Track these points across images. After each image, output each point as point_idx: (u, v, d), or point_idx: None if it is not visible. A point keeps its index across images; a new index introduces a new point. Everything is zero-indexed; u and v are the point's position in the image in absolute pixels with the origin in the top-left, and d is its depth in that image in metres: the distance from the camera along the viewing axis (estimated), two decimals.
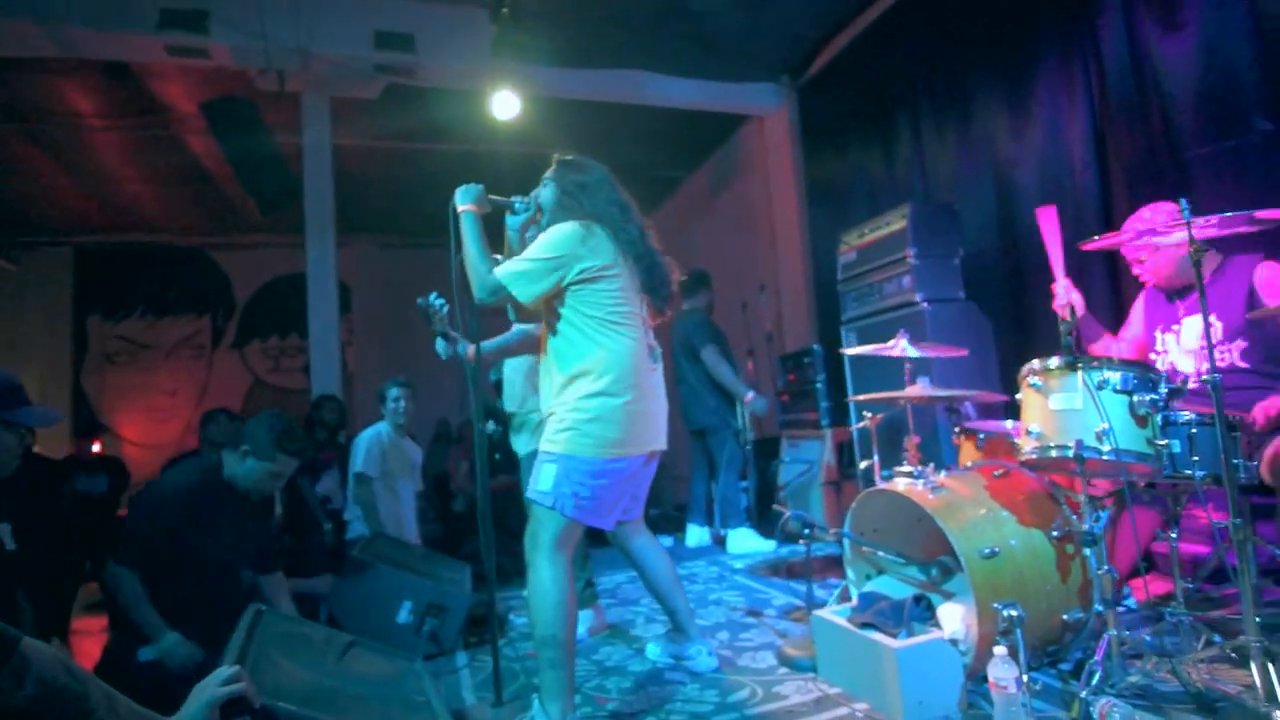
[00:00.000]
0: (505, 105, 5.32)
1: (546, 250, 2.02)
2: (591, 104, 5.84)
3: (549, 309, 2.11)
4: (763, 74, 5.95)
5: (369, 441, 3.74)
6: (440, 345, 2.68)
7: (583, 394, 1.99)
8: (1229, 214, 1.65)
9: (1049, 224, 2.52)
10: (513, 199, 2.25)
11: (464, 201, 2.13)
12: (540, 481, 1.97)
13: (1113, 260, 3.38)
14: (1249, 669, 1.63)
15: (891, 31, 4.75)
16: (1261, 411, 1.98)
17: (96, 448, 8.18)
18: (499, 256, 2.17)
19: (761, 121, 6.30)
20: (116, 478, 4.54)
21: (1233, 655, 1.95)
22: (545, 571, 1.92)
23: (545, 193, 2.21)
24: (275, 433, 2.34)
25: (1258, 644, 1.61)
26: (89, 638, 3.16)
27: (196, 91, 5.41)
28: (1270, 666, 1.58)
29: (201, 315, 9.63)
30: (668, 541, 4.99)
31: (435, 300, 2.53)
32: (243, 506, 2.43)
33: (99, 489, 4.30)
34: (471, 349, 2.86)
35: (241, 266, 9.70)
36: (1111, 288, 3.40)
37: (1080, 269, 3.48)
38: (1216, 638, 2.02)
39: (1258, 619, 1.68)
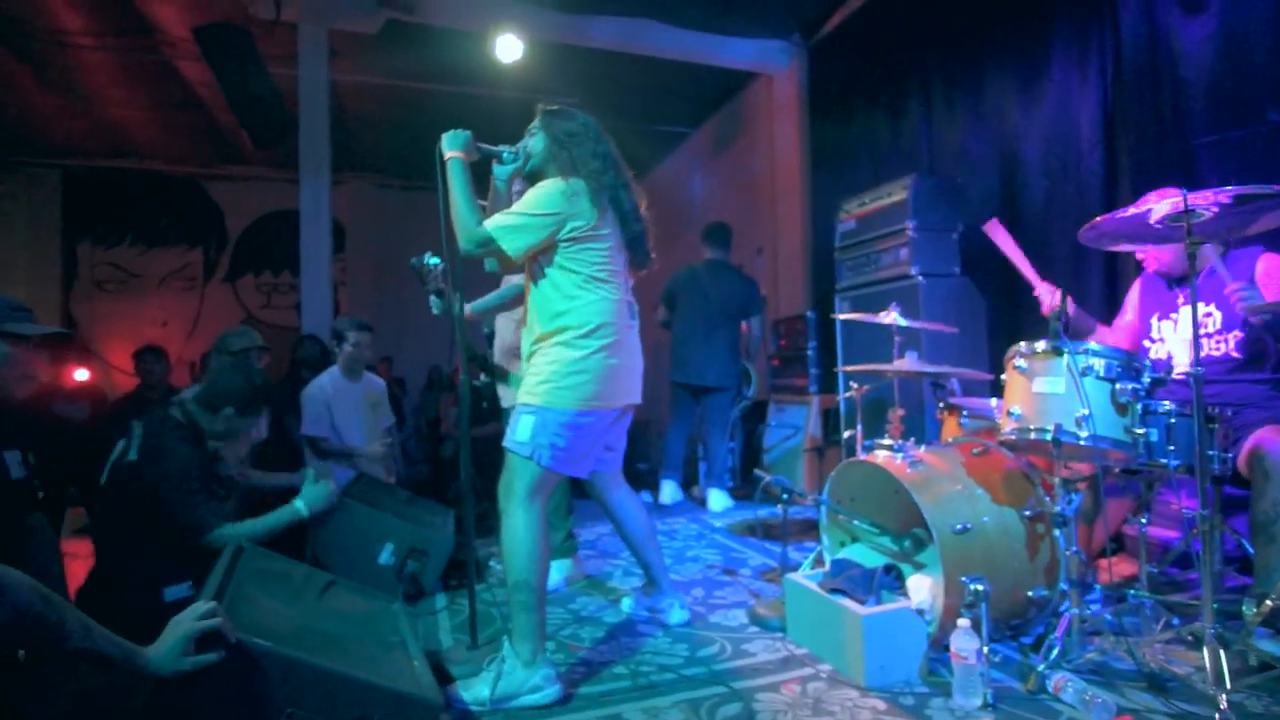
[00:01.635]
0: (508, 48, 5.19)
1: (537, 206, 2.00)
2: (596, 52, 5.69)
3: (532, 262, 2.10)
4: (774, 31, 5.80)
5: (310, 401, 3.60)
6: (435, 304, 2.66)
7: (563, 347, 2.00)
8: (1228, 189, 1.62)
9: (1000, 236, 2.53)
10: (501, 148, 2.20)
11: (451, 148, 2.09)
12: (518, 432, 1.98)
13: (1110, 259, 3.36)
14: (1202, 652, 1.68)
15: None
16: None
17: (85, 374, 8.16)
18: (484, 203, 2.14)
19: (770, 80, 6.16)
20: (97, 405, 4.54)
21: (1188, 638, 2.02)
22: (519, 519, 1.95)
23: (533, 143, 2.17)
24: (259, 398, 2.37)
25: (1212, 630, 1.66)
26: (77, 560, 3.20)
27: (189, 15, 5.24)
28: (1221, 652, 1.63)
29: (194, 247, 9.51)
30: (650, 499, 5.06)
31: (430, 260, 2.50)
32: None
33: (80, 415, 4.30)
34: (469, 308, 2.86)
35: (235, 199, 9.55)
36: (1107, 278, 3.40)
37: (1076, 257, 3.48)
38: (1175, 620, 2.09)
39: (1215, 605, 1.73)
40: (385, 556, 2.79)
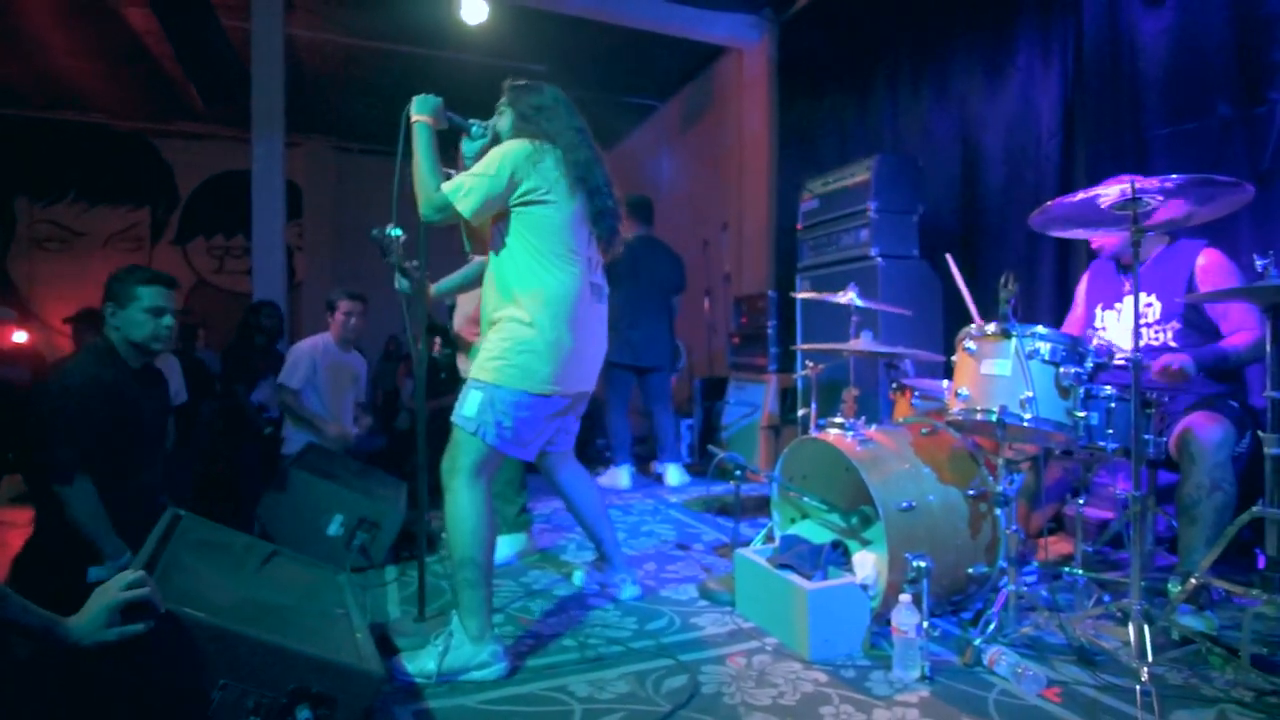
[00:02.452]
0: (473, 9, 5.04)
1: (491, 164, 1.94)
2: (566, 19, 5.56)
3: (493, 233, 2.05)
4: (746, 5, 5.74)
5: (298, 354, 3.58)
6: (401, 282, 2.59)
7: (518, 324, 1.96)
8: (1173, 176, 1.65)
9: (954, 267, 2.59)
10: (470, 122, 2.14)
11: (420, 111, 2.03)
12: (465, 407, 1.95)
13: (1063, 246, 3.43)
14: (1129, 628, 1.75)
15: None
16: (1163, 361, 2.07)
17: (23, 336, 7.83)
18: (452, 171, 2.08)
19: (740, 55, 6.11)
20: (38, 369, 4.36)
21: (1117, 614, 2.09)
22: (463, 495, 1.92)
23: (502, 122, 2.12)
24: (123, 275, 2.24)
25: (1138, 606, 1.72)
26: (15, 529, 3.09)
27: None
28: (1145, 628, 1.70)
29: (140, 207, 9.15)
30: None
31: (391, 232, 2.41)
32: (145, 378, 2.35)
33: (20, 378, 4.13)
34: (433, 289, 2.79)
35: (186, 157, 9.19)
36: (1059, 265, 3.46)
37: (1031, 244, 3.53)
38: (1106, 597, 2.16)
39: (1143, 583, 1.80)
40: (334, 528, 2.74)
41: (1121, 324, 2.39)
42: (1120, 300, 2.43)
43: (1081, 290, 2.65)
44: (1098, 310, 2.49)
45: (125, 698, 1.31)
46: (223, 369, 5.48)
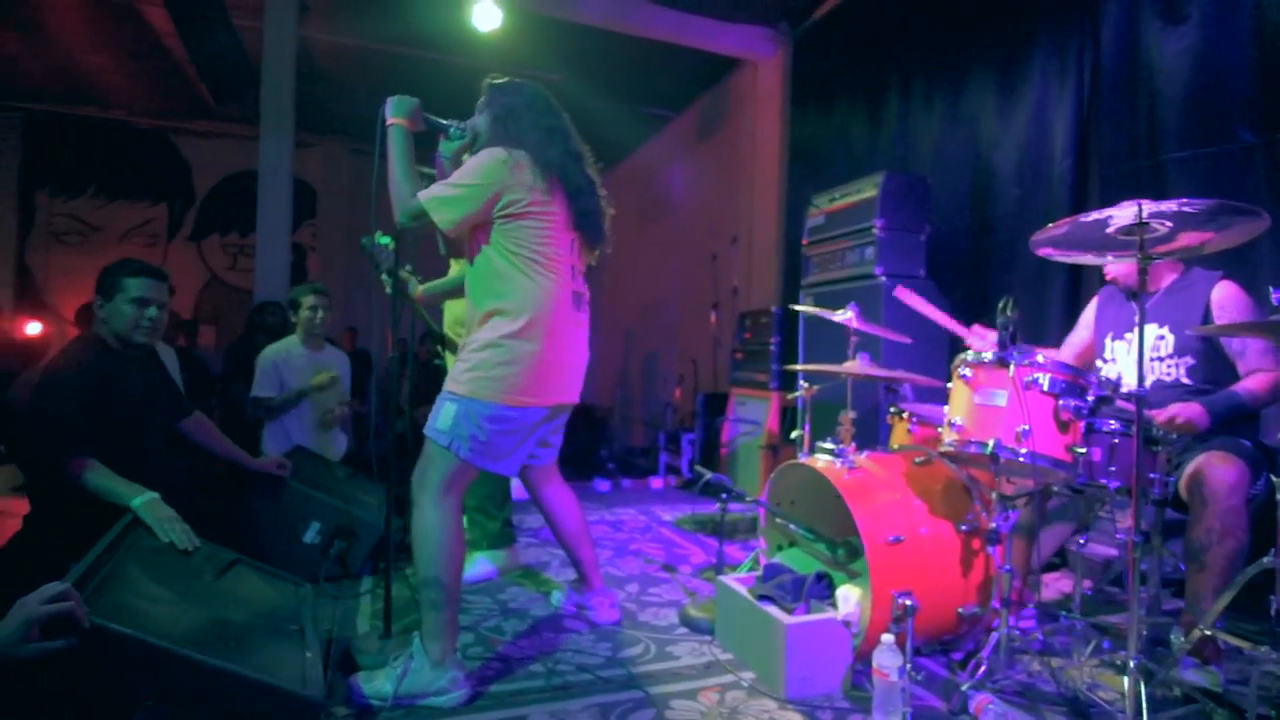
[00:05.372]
0: (486, 16, 5.02)
1: (472, 176, 1.88)
2: (580, 28, 5.53)
3: (471, 239, 1.98)
4: (762, 17, 5.69)
5: (266, 362, 3.45)
6: (389, 287, 2.54)
7: (494, 334, 1.89)
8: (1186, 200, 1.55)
9: (910, 299, 2.55)
10: (449, 122, 2.08)
11: (396, 114, 1.97)
12: (439, 420, 1.88)
13: (1075, 270, 3.31)
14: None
15: None
16: (1170, 413, 1.95)
17: (38, 328, 7.89)
18: (427, 170, 2.02)
19: (755, 68, 6.05)
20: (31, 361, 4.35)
21: (1116, 663, 1.98)
22: (430, 513, 1.85)
23: (480, 120, 2.07)
24: (113, 268, 2.21)
25: (1135, 660, 1.61)
26: (11, 519, 3.04)
27: None
28: (1142, 684, 1.58)
29: (158, 203, 9.23)
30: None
31: (381, 240, 2.36)
32: (137, 364, 2.30)
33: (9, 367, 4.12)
34: (421, 290, 2.74)
35: (204, 155, 9.26)
36: (1069, 291, 3.35)
37: (1041, 267, 3.42)
38: (1105, 644, 2.04)
39: (1145, 631, 1.69)
40: (310, 535, 2.68)
41: (1132, 355, 2.27)
42: (1130, 330, 2.31)
43: (1089, 315, 2.54)
44: (1107, 340, 2.38)
45: (44, 709, 1.24)
46: (224, 367, 5.47)
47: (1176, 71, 2.95)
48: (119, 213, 9.05)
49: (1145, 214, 1.59)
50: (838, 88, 5.09)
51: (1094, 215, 1.69)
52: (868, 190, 3.58)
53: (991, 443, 1.77)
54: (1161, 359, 2.21)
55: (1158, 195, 2.95)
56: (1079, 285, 3.33)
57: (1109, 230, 1.68)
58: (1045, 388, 1.78)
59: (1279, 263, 2.59)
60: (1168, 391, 2.19)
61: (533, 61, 5.73)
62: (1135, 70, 3.12)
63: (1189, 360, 2.17)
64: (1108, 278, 2.38)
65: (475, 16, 5.02)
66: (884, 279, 3.46)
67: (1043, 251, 1.90)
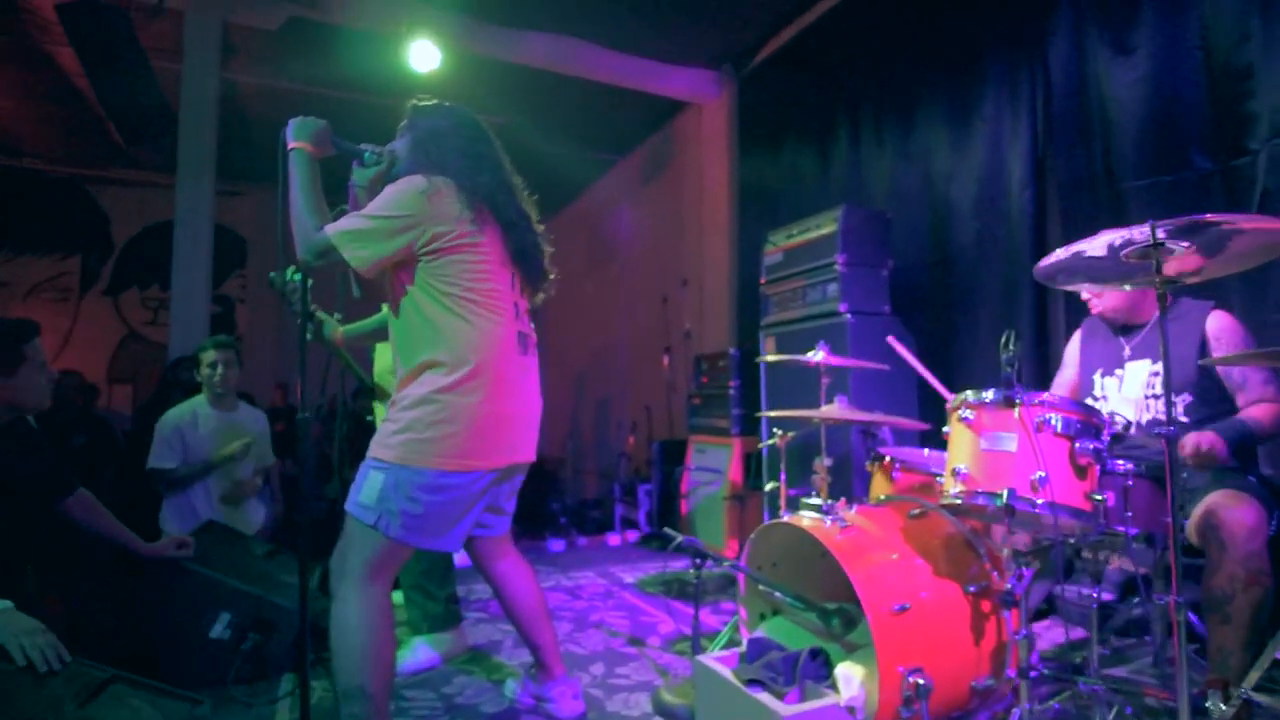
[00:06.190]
0: (424, 56, 4.83)
1: (388, 208, 1.63)
2: (523, 70, 5.40)
3: (393, 281, 1.72)
4: (707, 60, 5.67)
5: (166, 428, 3.05)
6: (310, 331, 2.26)
7: (427, 389, 1.62)
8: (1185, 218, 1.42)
9: (901, 350, 2.45)
10: (362, 147, 1.85)
11: (298, 138, 1.72)
12: (363, 493, 1.59)
13: (1040, 301, 3.24)
14: None
15: (839, 29, 4.54)
16: (1192, 442, 1.79)
17: None
18: (345, 207, 1.77)
19: (700, 110, 6.01)
20: None
21: None
22: (351, 606, 1.54)
23: (400, 144, 1.83)
24: (7, 336, 1.90)
25: None
26: None
27: None
28: None
29: (70, 255, 8.65)
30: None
31: (292, 275, 2.09)
32: (14, 438, 1.97)
33: None
34: (341, 332, 2.46)
35: (124, 205, 8.76)
36: (1037, 324, 3.26)
37: (1007, 299, 3.34)
38: (1129, 709, 1.84)
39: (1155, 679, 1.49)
40: (219, 629, 2.30)
41: (1125, 393, 2.13)
42: (1121, 366, 2.17)
43: (1073, 351, 2.41)
44: (1096, 377, 2.23)
45: None
46: (133, 429, 4.99)
47: (1129, 101, 2.94)
48: (27, 266, 8.44)
49: (1157, 234, 1.44)
50: (786, 127, 5.05)
51: (1094, 240, 1.54)
52: (827, 225, 3.46)
53: (1005, 493, 1.57)
54: (1158, 396, 2.08)
55: (1119, 224, 2.90)
56: (1045, 318, 3.25)
57: (1122, 256, 1.52)
58: (1059, 429, 1.60)
59: (1251, 293, 2.53)
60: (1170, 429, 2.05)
61: (473, 104, 5.54)
62: (1087, 100, 3.11)
63: (1186, 397, 2.04)
64: (1093, 311, 2.26)
65: (412, 57, 4.83)
66: (849, 316, 3.31)
67: (1045, 279, 1.74)
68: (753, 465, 4.14)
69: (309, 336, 2.31)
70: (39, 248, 8.51)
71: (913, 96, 3.96)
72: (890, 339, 2.52)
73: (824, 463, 2.51)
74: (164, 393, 4.57)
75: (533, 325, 1.88)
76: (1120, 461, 1.76)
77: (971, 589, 1.76)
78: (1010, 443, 1.62)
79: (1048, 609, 2.93)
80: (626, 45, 5.42)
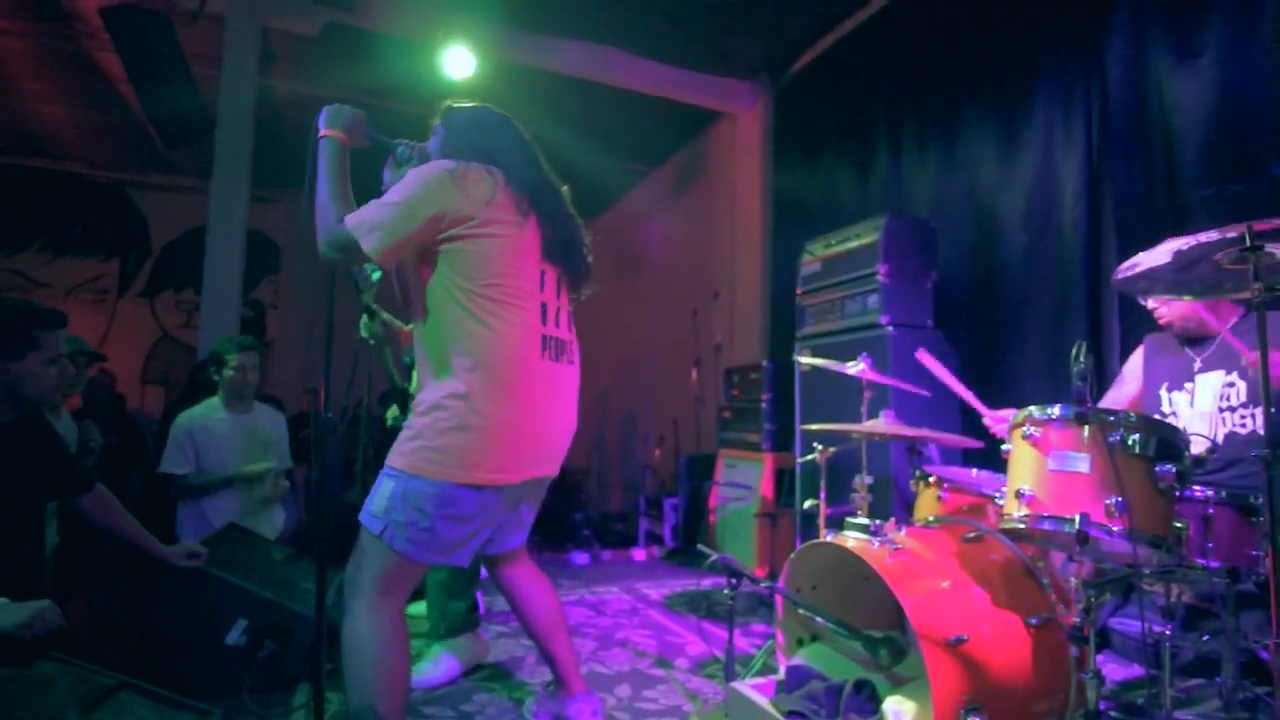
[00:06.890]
0: (460, 63, 4.83)
1: (408, 191, 1.52)
2: (555, 79, 5.37)
3: (415, 279, 1.64)
4: (742, 70, 5.59)
5: (178, 432, 2.98)
6: (364, 325, 2.21)
7: (439, 395, 1.52)
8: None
9: (929, 363, 2.33)
10: (396, 141, 1.78)
11: (331, 125, 1.64)
12: (374, 501, 1.50)
13: (1095, 319, 3.08)
14: None
15: (881, 35, 4.43)
16: None
17: None
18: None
19: (735, 120, 5.93)
20: None
21: None
22: (363, 621, 1.45)
23: (432, 142, 1.76)
24: (14, 320, 1.82)
25: None
26: None
27: None
28: None
29: (110, 258, 8.82)
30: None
31: (372, 272, 2.03)
32: (28, 430, 1.92)
33: None
34: (405, 329, 2.40)
35: (164, 209, 8.91)
36: (1090, 344, 3.08)
37: (1057, 316, 3.19)
38: None
39: None
40: (235, 636, 2.23)
41: (1197, 408, 1.99)
42: (1191, 380, 2.03)
43: (1135, 366, 2.26)
44: (1162, 392, 2.09)
45: None
46: (158, 430, 5.00)
47: (1193, 107, 2.79)
48: (68, 268, 8.62)
49: (1253, 234, 1.31)
50: (823, 137, 4.94)
51: (1183, 243, 1.41)
52: (868, 235, 3.34)
53: (1077, 518, 1.44)
54: (1234, 409, 1.93)
55: (1180, 235, 2.76)
56: (1100, 334, 3.09)
57: (1217, 261, 1.40)
58: (1136, 450, 1.47)
59: None
60: (1243, 445, 1.90)
61: (506, 109, 5.55)
62: (1147, 109, 2.97)
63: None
64: (1161, 323, 2.12)
65: (448, 64, 4.83)
66: (890, 328, 3.18)
67: (1121, 288, 1.62)
68: (785, 482, 4.00)
69: (364, 334, 2.29)
70: (80, 250, 8.69)
71: (958, 105, 3.84)
72: (919, 353, 2.37)
73: (864, 480, 2.39)
74: (190, 393, 4.57)
75: (574, 330, 1.78)
76: (1198, 488, 1.62)
77: (1033, 621, 1.63)
78: (1081, 463, 1.48)
79: (1102, 642, 2.76)
80: (663, 55, 5.37)
